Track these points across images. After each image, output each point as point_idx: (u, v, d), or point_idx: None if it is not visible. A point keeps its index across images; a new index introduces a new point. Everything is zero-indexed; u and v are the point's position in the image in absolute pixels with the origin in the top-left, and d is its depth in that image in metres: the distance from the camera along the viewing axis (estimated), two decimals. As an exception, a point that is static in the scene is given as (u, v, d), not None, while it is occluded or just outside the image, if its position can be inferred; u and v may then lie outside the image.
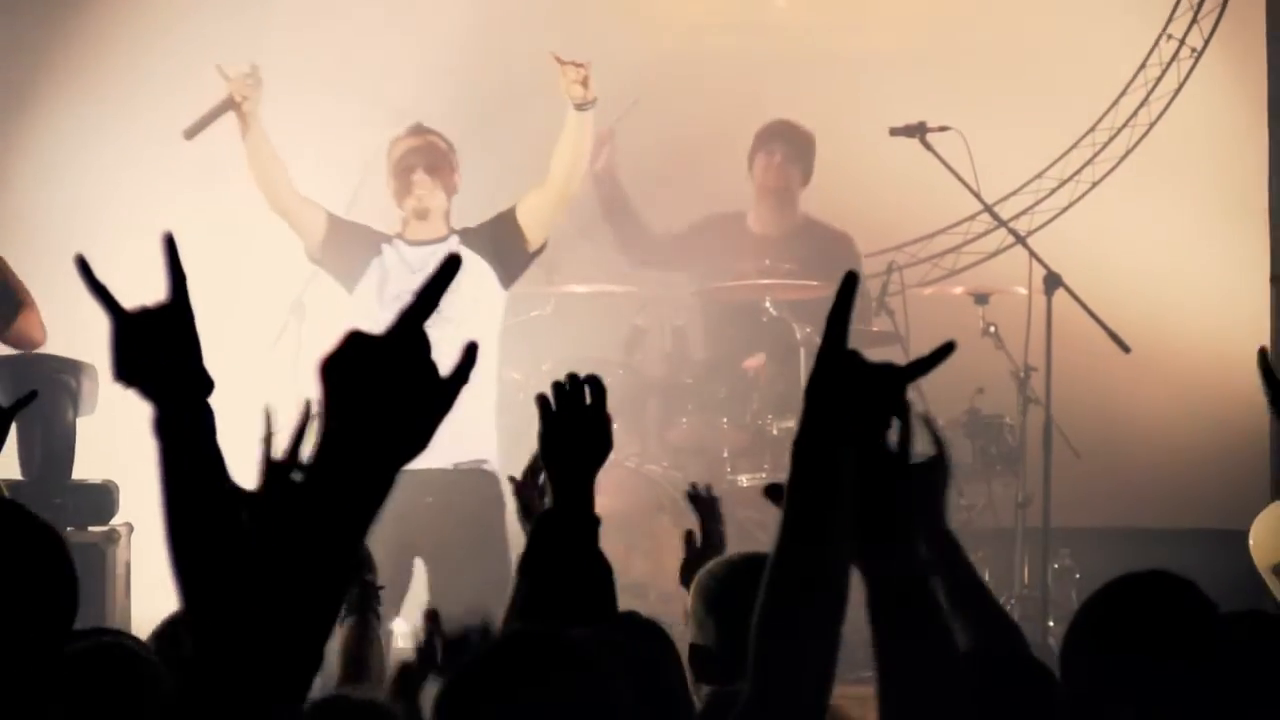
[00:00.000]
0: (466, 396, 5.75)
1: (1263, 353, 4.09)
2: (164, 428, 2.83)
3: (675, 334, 9.15)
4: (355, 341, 2.28)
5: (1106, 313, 8.68)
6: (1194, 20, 10.13)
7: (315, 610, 2.32)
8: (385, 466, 2.33)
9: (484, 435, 7.99)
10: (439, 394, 2.31)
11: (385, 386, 2.32)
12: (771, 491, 3.60)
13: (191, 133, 8.09)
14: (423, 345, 2.29)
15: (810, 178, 9.34)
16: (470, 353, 2.33)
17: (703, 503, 4.86)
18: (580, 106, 7.69)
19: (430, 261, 7.64)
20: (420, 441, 2.36)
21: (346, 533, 2.33)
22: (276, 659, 2.29)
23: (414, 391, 2.32)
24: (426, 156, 7.98)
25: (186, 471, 2.88)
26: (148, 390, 2.81)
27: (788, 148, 9.39)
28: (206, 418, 2.90)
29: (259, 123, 7.73)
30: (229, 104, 7.83)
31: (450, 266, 2.31)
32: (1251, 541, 7.41)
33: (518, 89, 10.13)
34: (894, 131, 8.64)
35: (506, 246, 7.88)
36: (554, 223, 8.14)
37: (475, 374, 6.24)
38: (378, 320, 6.58)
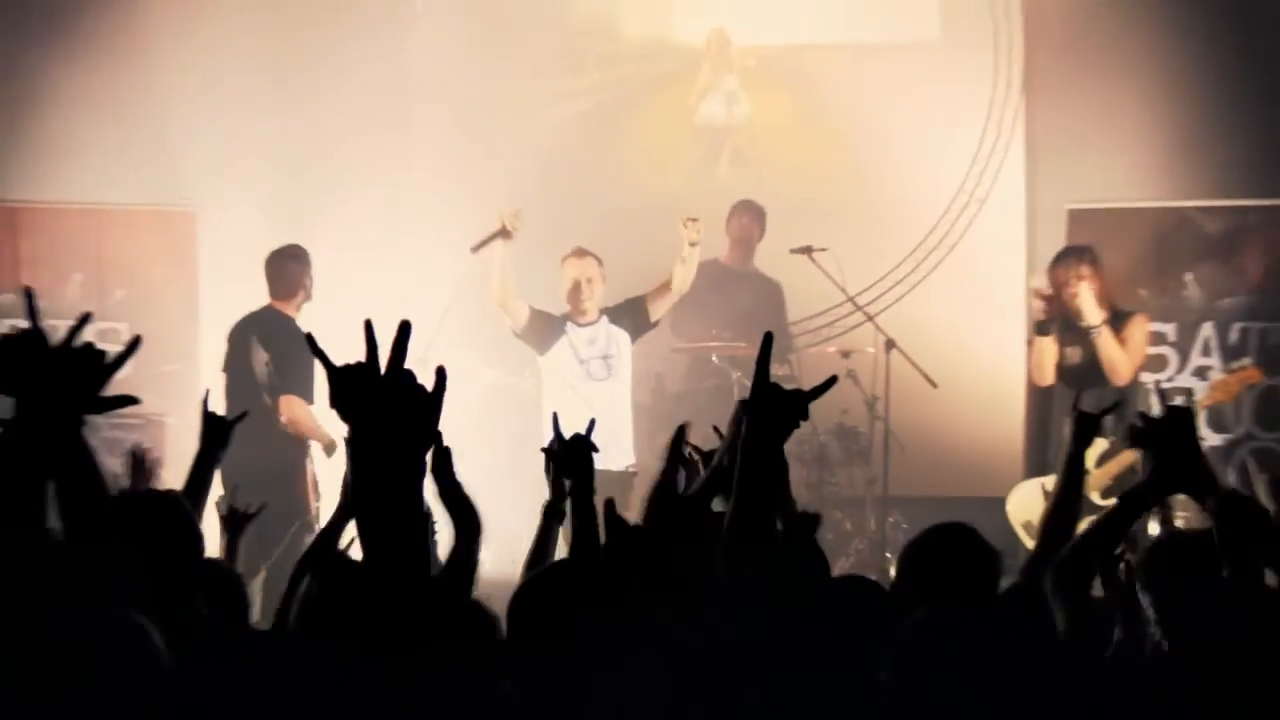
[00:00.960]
0: (615, 420, 8.25)
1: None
2: (353, 443, 2.57)
3: (657, 377, 9.33)
4: (337, 374, 2.36)
5: (922, 360, 8.84)
6: (979, 179, 10.26)
7: (416, 539, 2.46)
8: (408, 454, 2.38)
9: (626, 448, 8.07)
10: (428, 404, 2.37)
11: (389, 406, 2.36)
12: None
13: (475, 249, 7.97)
14: (408, 375, 2.35)
15: (764, 235, 9.42)
16: (440, 374, 2.41)
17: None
18: (692, 244, 7.93)
19: (599, 336, 8.06)
20: (427, 435, 2.39)
21: (404, 498, 2.39)
22: (408, 558, 2.43)
23: (409, 404, 2.36)
24: (588, 271, 8.11)
25: (366, 467, 2.55)
26: (349, 417, 2.55)
27: (754, 217, 9.48)
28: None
29: (512, 246, 7.88)
30: (502, 232, 7.87)
31: (404, 332, 2.37)
32: (1009, 507, 7.70)
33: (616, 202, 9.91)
34: (792, 251, 8.89)
35: (638, 322, 8.09)
36: (667, 310, 8.32)
37: (615, 404, 8.20)
38: (575, 373, 8.10)
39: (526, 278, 8.46)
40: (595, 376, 7.89)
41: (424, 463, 2.37)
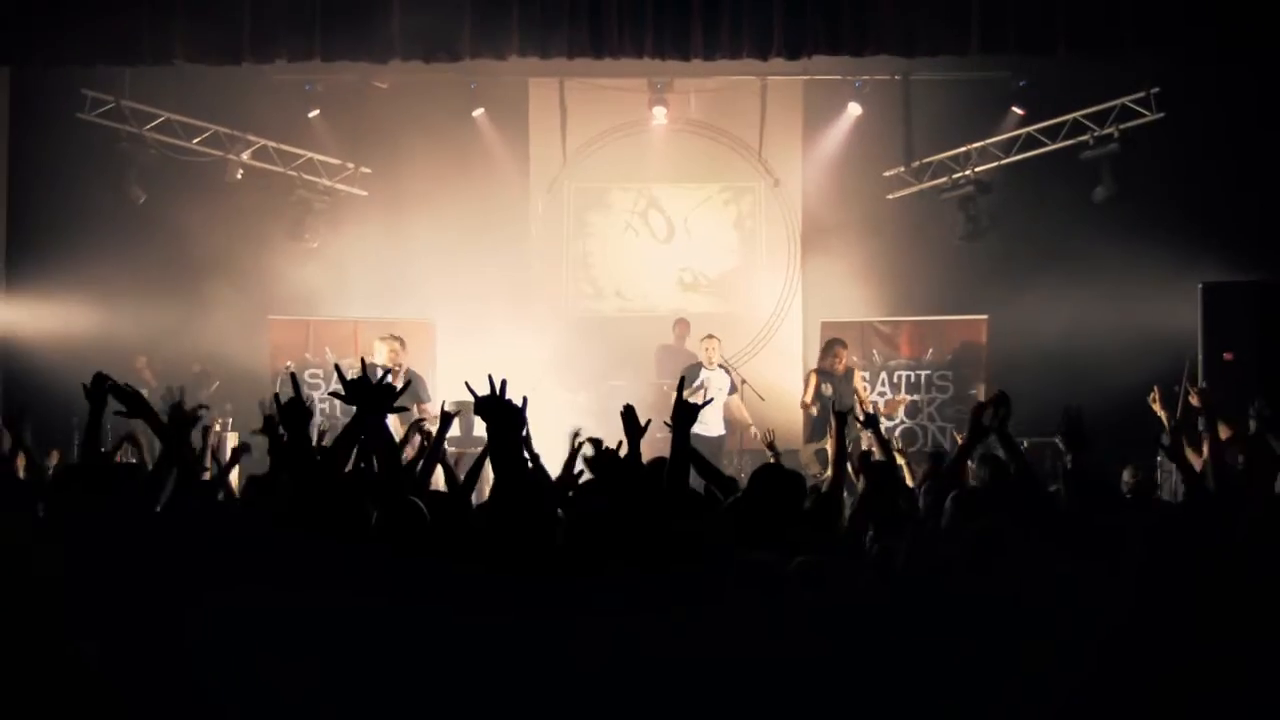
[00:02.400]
0: (716, 412, 7.01)
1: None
2: (490, 430, 2.29)
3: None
4: (481, 401, 2.43)
5: (759, 388, 8.73)
6: (783, 306, 9.87)
7: (526, 475, 2.55)
8: (511, 433, 2.39)
9: (719, 426, 7.56)
10: (518, 411, 2.41)
11: (499, 411, 2.35)
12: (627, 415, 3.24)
13: (692, 380, 7.57)
14: (503, 397, 2.39)
15: (690, 331, 9.40)
16: (523, 400, 2.37)
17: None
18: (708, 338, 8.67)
19: (716, 375, 7.78)
20: (519, 426, 2.34)
21: (512, 455, 2.43)
22: (522, 485, 2.48)
23: (508, 409, 2.37)
24: (715, 344, 7.91)
25: (497, 442, 2.30)
26: (488, 420, 2.28)
27: (685, 326, 9.33)
28: (517, 427, 2.44)
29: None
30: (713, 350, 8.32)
31: (502, 381, 2.27)
32: (801, 457, 8.27)
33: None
34: (701, 338, 8.68)
35: (733, 378, 8.48)
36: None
37: (718, 407, 7.13)
38: (701, 393, 7.64)
39: (597, 344, 8.67)
40: (710, 394, 7.84)
41: (520, 436, 2.39)
